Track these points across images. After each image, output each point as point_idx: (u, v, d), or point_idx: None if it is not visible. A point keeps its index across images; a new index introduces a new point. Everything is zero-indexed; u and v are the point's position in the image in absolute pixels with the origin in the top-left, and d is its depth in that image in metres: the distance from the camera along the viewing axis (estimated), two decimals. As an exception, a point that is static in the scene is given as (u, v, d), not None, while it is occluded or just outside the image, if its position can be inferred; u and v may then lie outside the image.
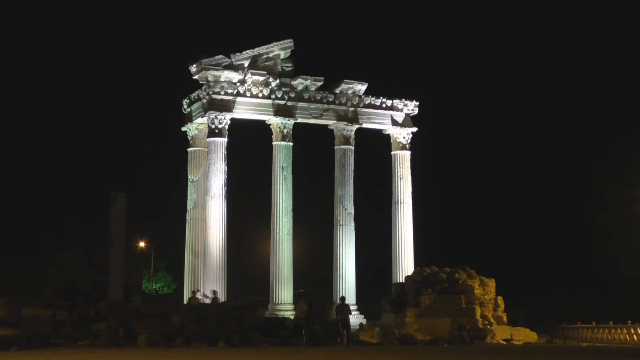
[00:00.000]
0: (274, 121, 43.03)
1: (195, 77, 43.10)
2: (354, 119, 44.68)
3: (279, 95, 42.99)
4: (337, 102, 44.34)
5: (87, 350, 26.31)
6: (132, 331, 29.53)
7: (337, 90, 44.46)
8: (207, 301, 37.69)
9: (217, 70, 41.93)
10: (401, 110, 45.65)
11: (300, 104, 43.54)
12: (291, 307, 41.83)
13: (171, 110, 51.42)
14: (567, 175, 73.45)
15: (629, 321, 39.78)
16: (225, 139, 41.74)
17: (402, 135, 45.58)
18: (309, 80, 43.72)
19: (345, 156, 44.23)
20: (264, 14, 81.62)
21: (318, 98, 44.02)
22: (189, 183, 43.69)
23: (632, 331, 38.34)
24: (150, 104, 74.70)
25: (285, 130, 42.93)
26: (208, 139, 41.97)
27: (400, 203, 45.13)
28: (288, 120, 43.04)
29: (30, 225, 65.02)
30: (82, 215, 65.70)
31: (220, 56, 42.30)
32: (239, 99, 42.20)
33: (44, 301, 30.96)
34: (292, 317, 37.85)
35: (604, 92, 76.72)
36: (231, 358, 23.22)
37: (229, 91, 41.88)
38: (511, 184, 74.89)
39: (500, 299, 39.64)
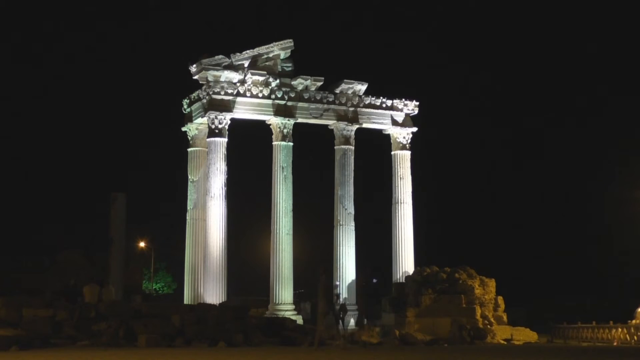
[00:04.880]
0: (274, 121, 43.02)
1: (195, 77, 43.08)
2: (354, 119, 44.66)
3: (279, 95, 42.98)
4: (337, 102, 44.32)
5: (87, 351, 26.31)
6: (132, 331, 29.53)
7: (337, 90, 44.44)
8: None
9: (217, 70, 41.91)
10: (401, 110, 45.63)
11: (300, 104, 43.52)
12: (292, 307, 41.86)
13: (171, 110, 51.45)
14: (567, 176, 73.48)
15: (629, 320, 39.79)
16: (225, 139, 41.72)
17: (402, 135, 45.57)
18: (309, 80, 43.70)
19: (345, 156, 44.20)
20: (264, 14, 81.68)
21: (318, 98, 44.00)
22: (189, 183, 43.67)
23: (633, 331, 38.33)
24: (150, 104, 74.80)
25: (285, 130, 42.92)
26: (208, 139, 41.95)
27: (400, 203, 45.10)
28: (288, 120, 43.03)
29: (30, 225, 65.05)
30: (82, 215, 65.74)
31: (220, 56, 42.28)
32: (239, 99, 42.18)
33: (44, 301, 30.96)
34: (292, 317, 37.88)
35: (604, 92, 76.75)
36: (231, 358, 23.22)
37: (229, 91, 41.86)
38: (511, 184, 74.92)
39: (500, 299, 39.65)
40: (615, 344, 38.05)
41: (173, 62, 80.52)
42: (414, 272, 39.97)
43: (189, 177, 43.76)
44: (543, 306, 56.53)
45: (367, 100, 45.01)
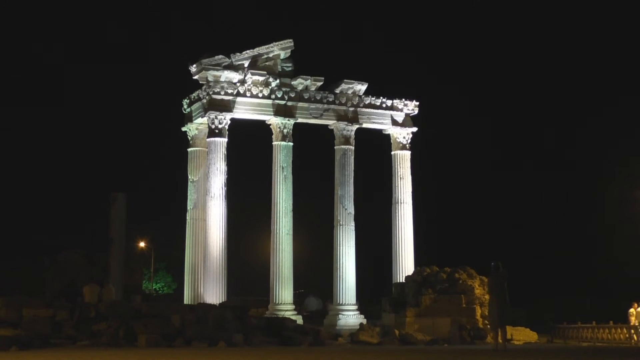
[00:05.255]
0: (274, 121, 43.02)
1: (195, 77, 43.09)
2: (354, 119, 44.66)
3: (279, 95, 42.98)
4: (337, 102, 44.32)
5: (87, 351, 26.31)
6: (132, 331, 29.53)
7: (337, 90, 44.44)
8: None
9: (217, 70, 41.92)
10: (401, 110, 45.63)
11: (300, 104, 43.51)
12: (292, 307, 41.86)
13: (171, 110, 51.47)
14: (567, 175, 73.49)
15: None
16: (225, 139, 41.72)
17: (402, 135, 45.57)
18: (309, 80, 43.70)
19: (345, 156, 44.20)
20: (264, 14, 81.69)
21: (318, 98, 44.00)
22: (189, 183, 43.68)
23: (633, 331, 38.34)
24: (150, 104, 74.81)
25: (285, 130, 42.92)
26: (208, 139, 41.96)
27: (400, 203, 45.10)
28: (288, 120, 43.03)
29: (30, 225, 65.04)
30: (82, 215, 65.74)
31: (220, 56, 42.28)
32: (239, 99, 42.19)
33: (44, 301, 30.96)
34: (292, 317, 37.87)
35: (604, 92, 76.76)
36: (231, 358, 23.21)
37: (229, 91, 41.86)
38: (511, 184, 74.93)
39: (500, 299, 39.56)
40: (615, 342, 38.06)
41: (173, 62, 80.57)
42: (414, 272, 39.95)
43: (189, 177, 43.77)
44: (543, 306, 56.54)
45: (367, 100, 45.01)
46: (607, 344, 38.04)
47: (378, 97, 45.25)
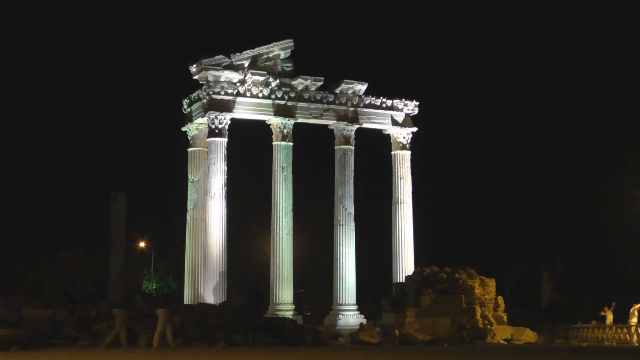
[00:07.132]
0: (274, 121, 43.04)
1: (195, 77, 43.12)
2: (354, 119, 44.69)
3: (279, 95, 43.00)
4: (337, 102, 44.35)
5: (87, 351, 26.34)
6: (132, 331, 29.55)
7: (337, 90, 44.47)
8: None
9: (217, 70, 41.94)
10: (401, 110, 45.66)
11: (300, 104, 43.55)
12: (292, 307, 41.89)
13: (171, 110, 51.40)
14: (567, 175, 73.46)
15: (628, 321, 39.77)
16: (225, 139, 41.75)
17: (402, 135, 45.59)
18: (309, 80, 43.73)
19: (346, 156, 44.23)
20: (264, 14, 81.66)
21: (318, 98, 44.03)
22: (189, 183, 43.70)
23: (633, 331, 38.34)
24: (150, 104, 74.73)
25: (285, 130, 42.95)
26: (208, 139, 41.99)
27: (400, 203, 45.14)
28: (288, 120, 43.05)
29: (30, 225, 65.00)
30: (82, 215, 65.68)
31: (220, 56, 42.32)
32: (239, 99, 42.21)
33: (44, 301, 31.00)
34: (292, 317, 37.92)
35: (604, 92, 76.73)
36: (231, 358, 23.23)
37: (229, 91, 41.89)
38: (511, 184, 74.87)
39: (500, 299, 39.67)
40: (614, 343, 38.07)
41: (173, 62, 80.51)
42: (414, 272, 39.97)
43: (189, 177, 43.80)
44: (543, 306, 56.50)
45: (367, 100, 45.05)
46: (607, 344, 38.04)
47: (378, 97, 45.28)
